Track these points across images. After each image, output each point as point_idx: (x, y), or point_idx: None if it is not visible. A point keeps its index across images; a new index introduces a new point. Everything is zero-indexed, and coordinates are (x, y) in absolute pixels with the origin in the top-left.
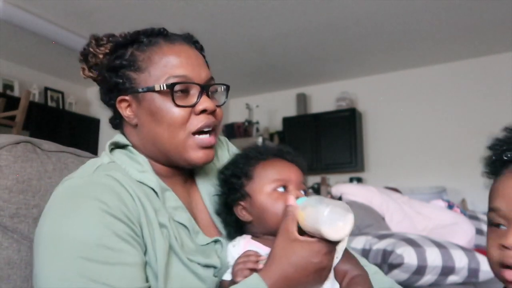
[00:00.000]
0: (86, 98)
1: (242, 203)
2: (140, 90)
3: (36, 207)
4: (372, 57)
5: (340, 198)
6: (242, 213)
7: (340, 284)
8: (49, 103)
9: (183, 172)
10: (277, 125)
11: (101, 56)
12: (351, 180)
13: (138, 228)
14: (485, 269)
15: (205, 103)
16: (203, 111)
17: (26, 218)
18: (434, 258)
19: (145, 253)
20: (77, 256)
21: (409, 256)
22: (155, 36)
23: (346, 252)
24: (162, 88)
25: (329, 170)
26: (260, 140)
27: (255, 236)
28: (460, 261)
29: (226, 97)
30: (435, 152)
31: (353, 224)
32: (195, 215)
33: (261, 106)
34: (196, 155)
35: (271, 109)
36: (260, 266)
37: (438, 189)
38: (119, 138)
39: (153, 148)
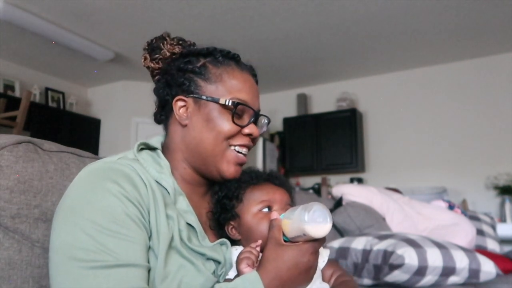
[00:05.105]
0: (86, 98)
1: (232, 222)
2: (204, 97)
3: (37, 207)
4: (372, 57)
5: (340, 199)
6: (232, 232)
7: (329, 283)
8: (50, 103)
9: (206, 184)
10: (278, 126)
11: (167, 53)
12: (351, 180)
13: (146, 214)
14: (486, 270)
15: (253, 128)
16: (249, 134)
17: (28, 218)
18: (435, 258)
19: (149, 238)
20: (91, 226)
21: (410, 257)
22: (229, 58)
23: (332, 260)
24: (226, 103)
25: (330, 170)
26: (260, 140)
27: None
28: (461, 261)
29: (265, 128)
30: (436, 153)
31: (332, 222)
32: (204, 225)
33: (262, 107)
34: (228, 168)
35: (271, 109)
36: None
37: (439, 189)
38: (152, 141)
39: (193, 150)
